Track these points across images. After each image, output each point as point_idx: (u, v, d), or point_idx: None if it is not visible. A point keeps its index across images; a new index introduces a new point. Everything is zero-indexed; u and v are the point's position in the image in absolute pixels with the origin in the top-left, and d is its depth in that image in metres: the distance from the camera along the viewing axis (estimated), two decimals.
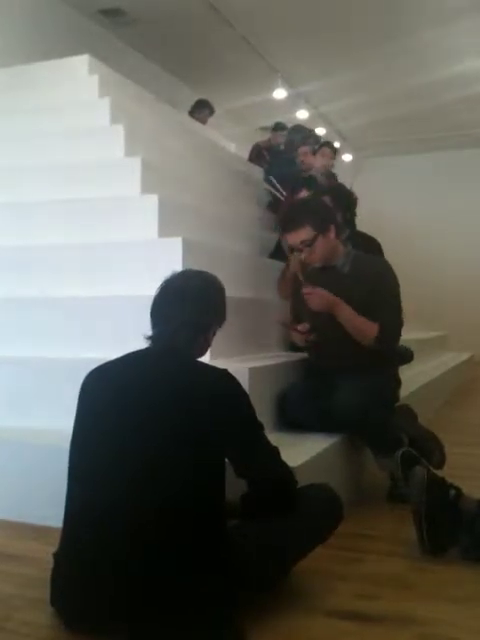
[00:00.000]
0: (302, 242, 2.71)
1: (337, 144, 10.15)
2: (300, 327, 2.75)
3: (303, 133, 5.78)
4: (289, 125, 6.52)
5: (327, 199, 3.25)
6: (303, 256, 2.76)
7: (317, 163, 4.83)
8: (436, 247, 10.01)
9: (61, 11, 6.40)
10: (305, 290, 2.68)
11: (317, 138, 5.64)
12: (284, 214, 2.77)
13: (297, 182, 4.56)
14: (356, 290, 2.67)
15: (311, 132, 6.05)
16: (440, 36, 6.96)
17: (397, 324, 2.73)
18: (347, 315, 2.63)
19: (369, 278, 2.69)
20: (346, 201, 3.44)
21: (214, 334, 1.83)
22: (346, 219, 3.38)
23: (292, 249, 2.80)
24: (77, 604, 1.50)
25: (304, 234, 2.69)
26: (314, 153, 4.90)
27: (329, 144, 4.84)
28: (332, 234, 2.73)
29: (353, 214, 3.57)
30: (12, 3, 5.88)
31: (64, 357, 2.74)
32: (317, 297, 2.64)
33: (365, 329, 2.63)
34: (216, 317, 1.80)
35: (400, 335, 2.77)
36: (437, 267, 9.86)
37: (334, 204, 3.25)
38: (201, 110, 6.81)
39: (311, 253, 2.73)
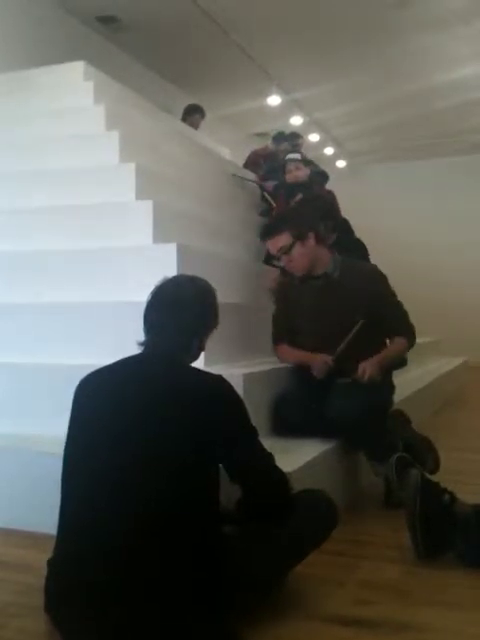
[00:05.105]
0: (280, 249, 2.74)
1: (331, 150, 10.27)
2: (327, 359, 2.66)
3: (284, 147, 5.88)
4: (287, 132, 6.55)
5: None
6: (283, 264, 2.79)
7: (288, 178, 4.91)
8: (431, 252, 10.04)
9: (58, 18, 6.41)
10: (358, 375, 2.59)
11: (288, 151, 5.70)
12: (266, 223, 2.81)
13: (292, 188, 4.58)
14: (355, 298, 2.71)
15: (295, 142, 6.10)
16: (436, 43, 6.99)
17: (408, 318, 2.86)
18: (386, 360, 2.70)
19: (364, 283, 2.74)
20: (322, 212, 3.47)
21: (207, 339, 1.84)
22: (328, 227, 3.43)
23: (273, 258, 2.83)
24: (72, 611, 1.50)
25: (282, 241, 2.73)
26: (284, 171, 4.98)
27: (290, 160, 4.95)
28: (312, 241, 2.75)
29: (335, 221, 3.61)
30: (9, 10, 5.89)
31: (59, 363, 2.74)
32: (369, 372, 2.59)
33: (400, 351, 2.81)
34: (209, 322, 1.81)
35: (414, 328, 2.87)
36: (432, 272, 9.88)
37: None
38: (192, 114, 6.84)
39: (290, 260, 2.75)
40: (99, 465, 1.56)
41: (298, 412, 2.65)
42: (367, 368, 2.60)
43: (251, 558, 1.60)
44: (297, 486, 1.78)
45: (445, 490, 2.11)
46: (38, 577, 1.63)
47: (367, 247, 3.78)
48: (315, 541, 1.76)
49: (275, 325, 2.95)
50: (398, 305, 2.86)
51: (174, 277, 1.84)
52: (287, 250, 2.72)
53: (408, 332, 2.84)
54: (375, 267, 2.91)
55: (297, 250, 2.72)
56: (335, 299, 2.74)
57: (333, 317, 2.71)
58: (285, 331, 2.90)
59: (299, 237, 2.72)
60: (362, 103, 8.66)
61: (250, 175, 5.80)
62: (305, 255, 2.74)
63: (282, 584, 1.74)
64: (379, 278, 2.85)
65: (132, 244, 3.18)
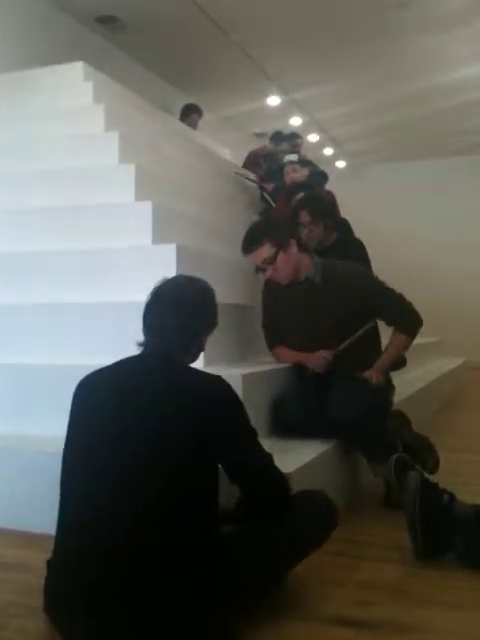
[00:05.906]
0: (264, 260, 2.73)
1: (330, 151, 10.28)
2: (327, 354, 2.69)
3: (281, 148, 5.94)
4: (286, 133, 6.56)
5: (304, 213, 3.32)
6: (268, 274, 2.78)
7: (286, 180, 4.95)
8: (431, 252, 10.04)
9: (57, 18, 6.41)
10: (368, 378, 2.69)
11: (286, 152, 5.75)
12: (244, 236, 2.81)
13: (292, 189, 4.59)
14: (340, 299, 2.71)
15: (294, 142, 6.14)
16: (436, 43, 6.99)
17: (405, 301, 2.83)
18: (388, 363, 2.80)
19: (347, 283, 2.75)
20: (322, 212, 3.47)
21: (206, 339, 1.84)
22: (328, 226, 3.43)
23: (258, 269, 2.82)
24: (72, 610, 1.49)
25: (265, 252, 2.72)
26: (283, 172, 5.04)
27: (287, 162, 5.04)
28: (294, 248, 2.75)
29: (335, 221, 3.62)
30: (10, 11, 5.89)
31: (59, 363, 2.74)
32: (376, 377, 2.70)
33: (402, 348, 2.84)
34: (208, 322, 1.82)
35: (414, 308, 2.85)
36: (433, 273, 9.89)
37: (312, 216, 3.31)
38: (189, 114, 6.85)
39: (275, 270, 2.75)
40: (99, 464, 1.56)
41: (298, 412, 2.64)
42: (374, 375, 2.68)
43: (250, 558, 1.60)
44: (297, 487, 1.78)
45: (444, 491, 2.11)
46: (38, 577, 1.63)
47: (366, 247, 3.78)
48: (315, 541, 1.76)
49: (266, 330, 2.96)
50: (390, 293, 2.84)
51: (173, 278, 1.85)
52: (272, 260, 2.72)
53: (408, 319, 2.82)
54: (355, 265, 2.93)
55: (281, 258, 2.72)
56: (319, 303, 2.74)
57: (319, 321, 2.72)
58: (277, 335, 2.91)
59: (281, 246, 2.71)
60: (362, 103, 8.66)
61: (251, 175, 5.82)
62: (289, 263, 2.73)
63: (282, 584, 1.74)
64: (361, 274, 2.88)
65: (131, 245, 3.18)
